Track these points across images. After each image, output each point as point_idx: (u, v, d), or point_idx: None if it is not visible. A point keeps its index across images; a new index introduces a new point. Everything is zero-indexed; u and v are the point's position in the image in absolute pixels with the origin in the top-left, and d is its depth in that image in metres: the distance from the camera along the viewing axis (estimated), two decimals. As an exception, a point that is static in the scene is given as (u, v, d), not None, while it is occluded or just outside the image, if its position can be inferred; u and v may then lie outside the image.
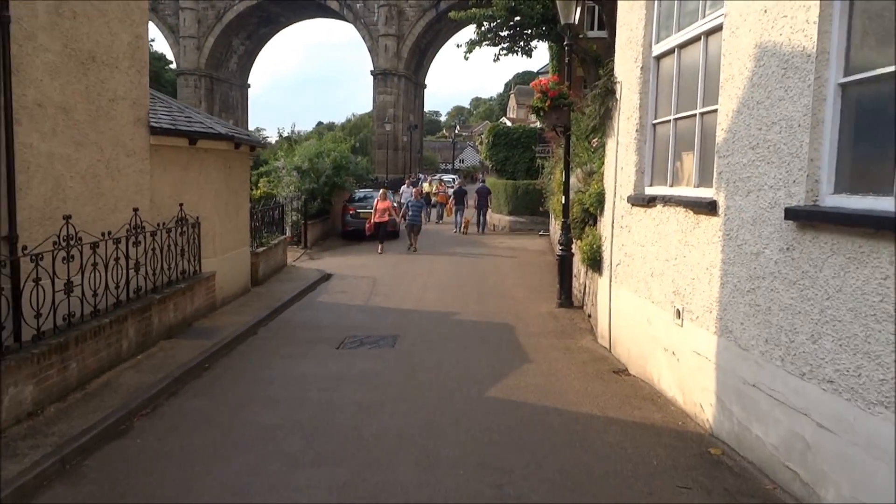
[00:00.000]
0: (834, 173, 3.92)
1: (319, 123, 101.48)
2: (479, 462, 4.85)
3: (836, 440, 3.74)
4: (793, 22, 4.15)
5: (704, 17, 5.62)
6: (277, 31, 65.61)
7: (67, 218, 6.28)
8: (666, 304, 6.17)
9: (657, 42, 6.70)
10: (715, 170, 5.21)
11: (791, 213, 4.08)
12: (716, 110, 5.26)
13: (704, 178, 5.60)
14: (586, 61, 20.13)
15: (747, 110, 4.71)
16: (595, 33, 23.72)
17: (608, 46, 16.77)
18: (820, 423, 3.88)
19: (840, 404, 3.70)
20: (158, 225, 8.38)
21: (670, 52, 6.35)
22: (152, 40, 64.74)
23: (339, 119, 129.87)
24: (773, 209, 4.36)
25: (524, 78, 78.87)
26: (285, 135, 28.43)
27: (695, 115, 5.79)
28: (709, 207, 5.22)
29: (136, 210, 7.71)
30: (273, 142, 28.29)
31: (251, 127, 64.96)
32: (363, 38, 55.06)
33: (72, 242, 6.26)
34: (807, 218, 3.97)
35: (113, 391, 6.35)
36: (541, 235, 21.71)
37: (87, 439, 5.19)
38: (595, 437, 5.28)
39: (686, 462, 4.80)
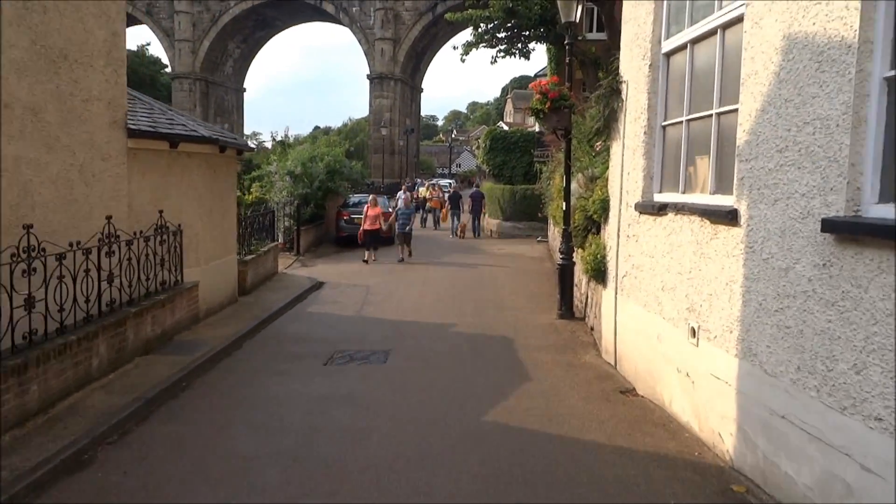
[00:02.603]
0: (879, 180, 3.44)
1: (316, 128, 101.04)
2: (476, 501, 4.35)
3: (885, 487, 3.25)
4: (829, 8, 3.68)
5: (721, 8, 5.15)
6: (273, 35, 65.22)
7: (28, 227, 5.76)
8: (679, 320, 5.69)
9: (667, 38, 6.24)
10: (735, 175, 4.73)
11: (829, 225, 3.60)
12: (735, 110, 4.79)
13: (722, 185, 5.13)
14: (585, 64, 19.69)
15: (774, 109, 4.24)
16: (594, 35, 23.26)
17: (607, 49, 16.36)
18: (864, 466, 3.39)
19: (891, 446, 3.21)
20: (135, 233, 7.87)
21: (682, 48, 5.89)
22: (147, 44, 64.51)
23: (335, 123, 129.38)
24: (805, 220, 3.88)
25: (521, 83, 78.49)
26: (279, 139, 27.85)
27: (711, 115, 5.31)
28: (728, 217, 4.74)
29: (109, 218, 7.19)
30: (269, 146, 27.81)
31: (247, 131, 64.57)
32: (359, 41, 54.67)
33: (33, 254, 5.75)
34: (848, 230, 3.50)
35: (79, 416, 5.84)
36: (539, 241, 21.25)
37: (42, 474, 4.68)
38: (604, 470, 4.78)
39: (706, 500, 4.31)
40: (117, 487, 4.69)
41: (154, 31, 58.02)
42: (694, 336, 5.36)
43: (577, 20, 10.53)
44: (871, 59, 3.44)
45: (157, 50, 63.78)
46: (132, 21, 53.22)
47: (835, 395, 3.62)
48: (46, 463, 4.82)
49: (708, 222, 5.13)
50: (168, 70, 60.15)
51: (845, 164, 3.54)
